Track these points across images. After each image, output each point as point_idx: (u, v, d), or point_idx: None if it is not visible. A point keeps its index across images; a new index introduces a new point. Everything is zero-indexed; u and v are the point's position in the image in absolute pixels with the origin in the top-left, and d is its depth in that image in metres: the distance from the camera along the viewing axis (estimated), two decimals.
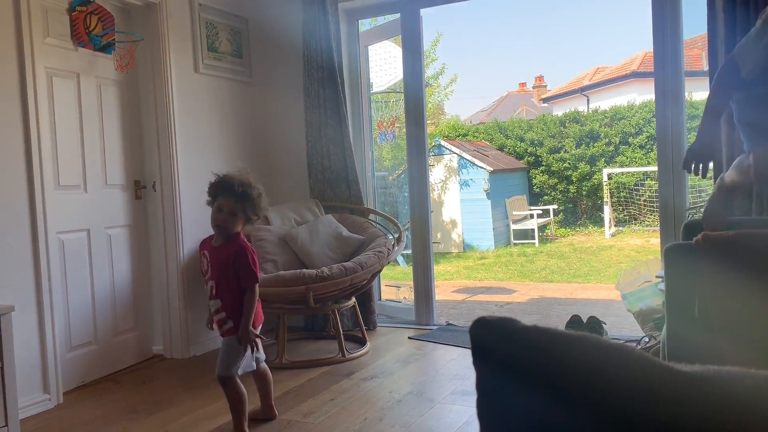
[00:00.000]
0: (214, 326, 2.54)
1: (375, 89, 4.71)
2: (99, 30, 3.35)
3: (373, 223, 4.16)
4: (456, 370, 3.28)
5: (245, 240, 2.53)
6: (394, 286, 5.89)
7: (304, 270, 3.57)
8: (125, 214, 3.62)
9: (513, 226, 11.58)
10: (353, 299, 3.80)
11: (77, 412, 2.88)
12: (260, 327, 2.54)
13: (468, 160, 11.35)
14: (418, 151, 4.24)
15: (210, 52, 3.99)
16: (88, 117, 3.38)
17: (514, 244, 11.42)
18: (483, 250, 10.94)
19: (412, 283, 4.38)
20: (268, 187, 4.44)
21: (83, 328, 3.30)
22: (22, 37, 2.90)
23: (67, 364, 3.15)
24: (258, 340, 2.50)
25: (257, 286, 2.46)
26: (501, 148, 12.90)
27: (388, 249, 3.80)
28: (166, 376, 3.39)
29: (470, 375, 3.16)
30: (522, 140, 12.74)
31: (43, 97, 3.04)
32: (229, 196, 2.43)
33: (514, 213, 11.75)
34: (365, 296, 4.13)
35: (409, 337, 3.97)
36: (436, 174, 11.48)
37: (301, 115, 4.32)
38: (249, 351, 2.45)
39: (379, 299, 4.54)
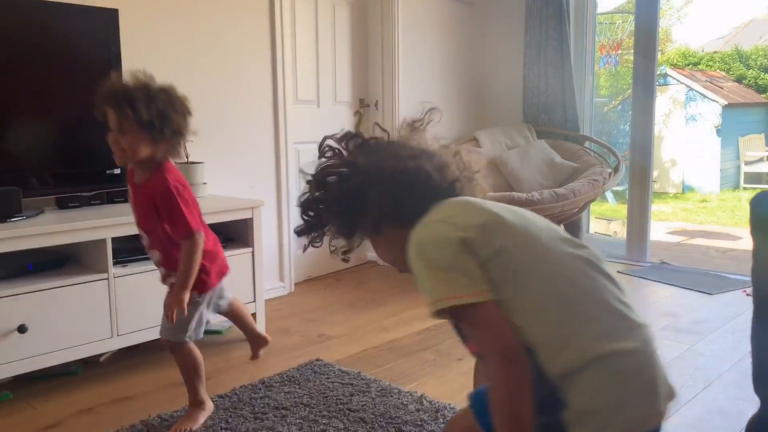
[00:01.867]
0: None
1: (600, 9, 4.43)
2: None
3: (589, 151, 4.02)
4: (668, 307, 3.14)
5: (173, 173, 1.79)
6: (605, 219, 5.67)
7: (513, 193, 3.59)
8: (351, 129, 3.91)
9: (745, 168, 10.35)
10: (561, 227, 3.75)
11: (306, 300, 3.29)
12: (224, 279, 1.97)
13: (698, 92, 10.26)
14: (645, 83, 3.95)
15: None
16: (322, 37, 3.65)
17: (744, 188, 10.23)
18: (706, 193, 9.98)
19: (623, 218, 4.20)
20: (480, 109, 4.48)
21: None
22: None
23: (297, 259, 3.57)
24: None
25: (198, 236, 1.76)
26: (739, 80, 11.42)
27: (604, 178, 3.66)
28: (380, 279, 3.70)
29: (684, 314, 3.01)
30: (767, 71, 11.14)
31: (287, 18, 3.35)
32: (113, 107, 1.70)
33: (748, 153, 10.47)
34: (573, 226, 4.05)
35: (618, 272, 3.84)
36: (659, 106, 10.56)
37: (520, 35, 4.23)
38: (204, 309, 1.92)
39: (588, 231, 4.43)
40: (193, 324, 1.90)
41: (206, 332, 2.71)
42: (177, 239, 1.78)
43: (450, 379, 2.27)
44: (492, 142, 4.16)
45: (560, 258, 0.99)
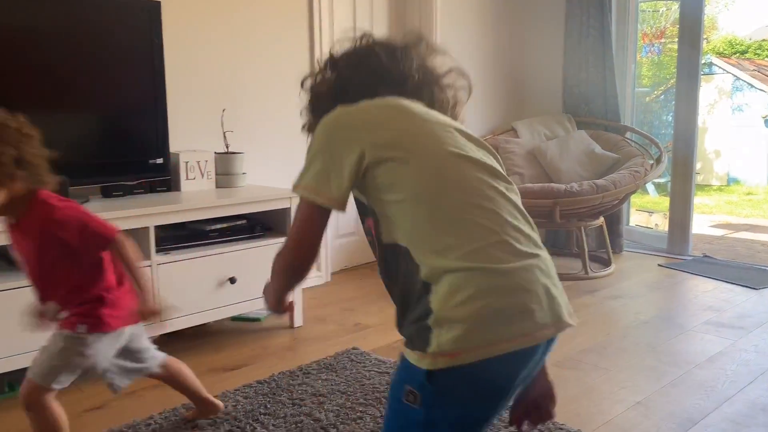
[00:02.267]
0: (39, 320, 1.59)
1: None
2: None
3: (630, 142, 3.94)
4: (711, 301, 3.07)
5: (50, 196, 1.54)
6: (645, 211, 5.56)
7: (553, 184, 3.55)
8: None
9: None
10: (601, 219, 3.69)
11: (343, 289, 3.31)
12: (137, 328, 1.65)
13: (745, 81, 9.95)
14: (689, 73, 3.85)
15: None
16: (360, 27, 3.65)
17: None
18: (751, 185, 9.69)
19: (664, 210, 4.11)
20: (518, 99, 4.43)
21: (348, 221, 3.72)
22: None
23: (334, 249, 3.60)
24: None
25: (118, 235, 1.53)
26: None
27: (646, 169, 3.59)
28: None
29: (727, 309, 2.94)
30: None
31: (326, 8, 3.36)
32: None
33: None
34: (613, 218, 3.99)
35: (659, 265, 3.77)
36: (703, 96, 10.27)
37: (560, 24, 4.16)
38: (94, 354, 1.55)
39: (627, 224, 4.35)
40: (68, 368, 1.56)
41: (244, 319, 2.77)
42: (98, 252, 1.54)
43: None
44: (530, 132, 4.12)
45: (458, 179, 0.99)
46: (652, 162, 3.71)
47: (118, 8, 2.41)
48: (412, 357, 0.93)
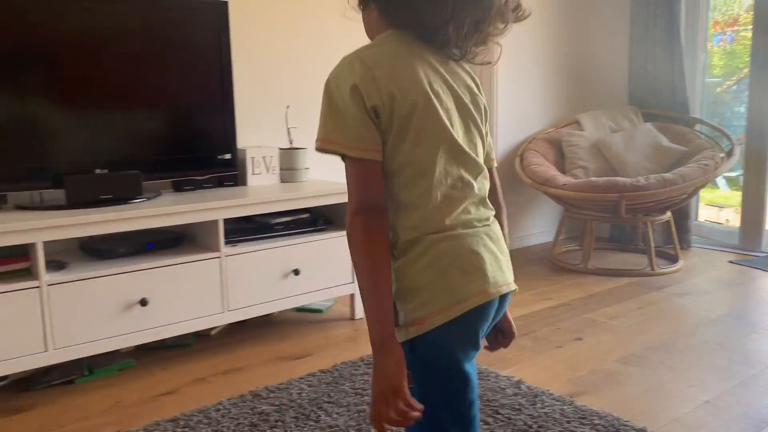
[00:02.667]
0: None
1: None
2: None
3: (699, 135, 3.81)
4: None
5: None
6: (716, 206, 5.35)
7: (618, 177, 3.47)
8: None
9: None
10: (668, 213, 3.59)
11: None
12: None
13: None
14: (764, 62, 3.68)
15: None
16: None
17: None
18: None
19: (736, 205, 3.95)
20: (583, 91, 4.34)
21: None
22: None
23: None
24: None
25: None
26: None
27: (716, 163, 3.46)
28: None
29: None
30: None
31: None
32: None
33: None
34: (681, 213, 3.87)
35: (730, 261, 3.63)
36: None
37: (625, 13, 4.06)
38: None
39: (696, 219, 4.21)
40: None
41: (307, 310, 2.84)
42: None
43: (548, 365, 2.25)
44: (595, 125, 4.03)
45: (440, 160, 0.96)
46: (722, 155, 3.58)
47: (188, 9, 2.50)
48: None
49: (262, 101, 2.95)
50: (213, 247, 2.37)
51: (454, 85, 1.01)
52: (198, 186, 2.61)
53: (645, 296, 3.02)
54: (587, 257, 3.51)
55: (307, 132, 3.06)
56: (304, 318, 2.80)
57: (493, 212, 1.06)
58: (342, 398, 1.97)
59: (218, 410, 1.92)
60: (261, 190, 2.62)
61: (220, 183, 2.68)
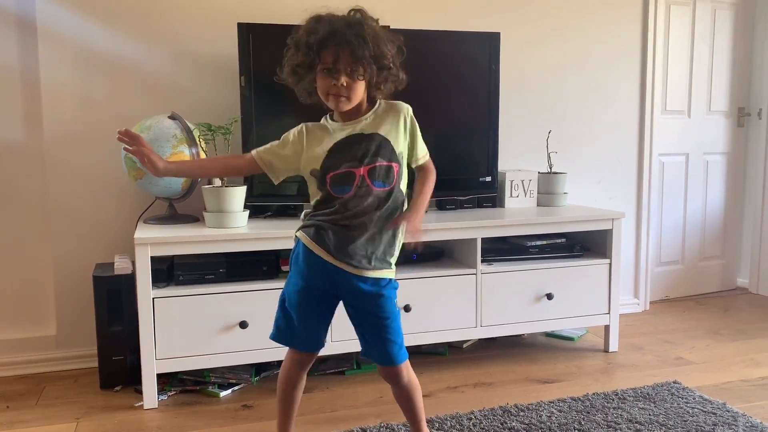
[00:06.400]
0: None
1: None
2: None
3: None
4: None
5: None
6: None
7: None
8: (725, 141, 3.58)
9: None
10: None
11: (662, 320, 3.13)
12: None
13: None
14: None
15: None
16: (699, 43, 3.42)
17: None
18: None
19: None
20: None
21: (672, 247, 3.49)
22: None
23: (654, 277, 3.42)
24: None
25: None
26: None
27: None
28: (750, 309, 3.31)
29: None
30: None
31: (661, 27, 3.23)
32: None
33: None
34: None
35: None
36: None
37: None
38: None
39: None
40: None
41: (558, 336, 2.82)
42: None
43: None
44: None
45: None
46: None
47: (464, 41, 2.68)
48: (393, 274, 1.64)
49: (524, 126, 3.02)
50: (470, 264, 2.49)
51: None
52: (459, 206, 2.77)
53: None
54: None
55: (567, 157, 3.06)
56: (554, 344, 2.79)
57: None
58: (593, 428, 1.93)
59: (470, 419, 2.01)
60: (518, 213, 2.68)
61: (479, 204, 2.81)
